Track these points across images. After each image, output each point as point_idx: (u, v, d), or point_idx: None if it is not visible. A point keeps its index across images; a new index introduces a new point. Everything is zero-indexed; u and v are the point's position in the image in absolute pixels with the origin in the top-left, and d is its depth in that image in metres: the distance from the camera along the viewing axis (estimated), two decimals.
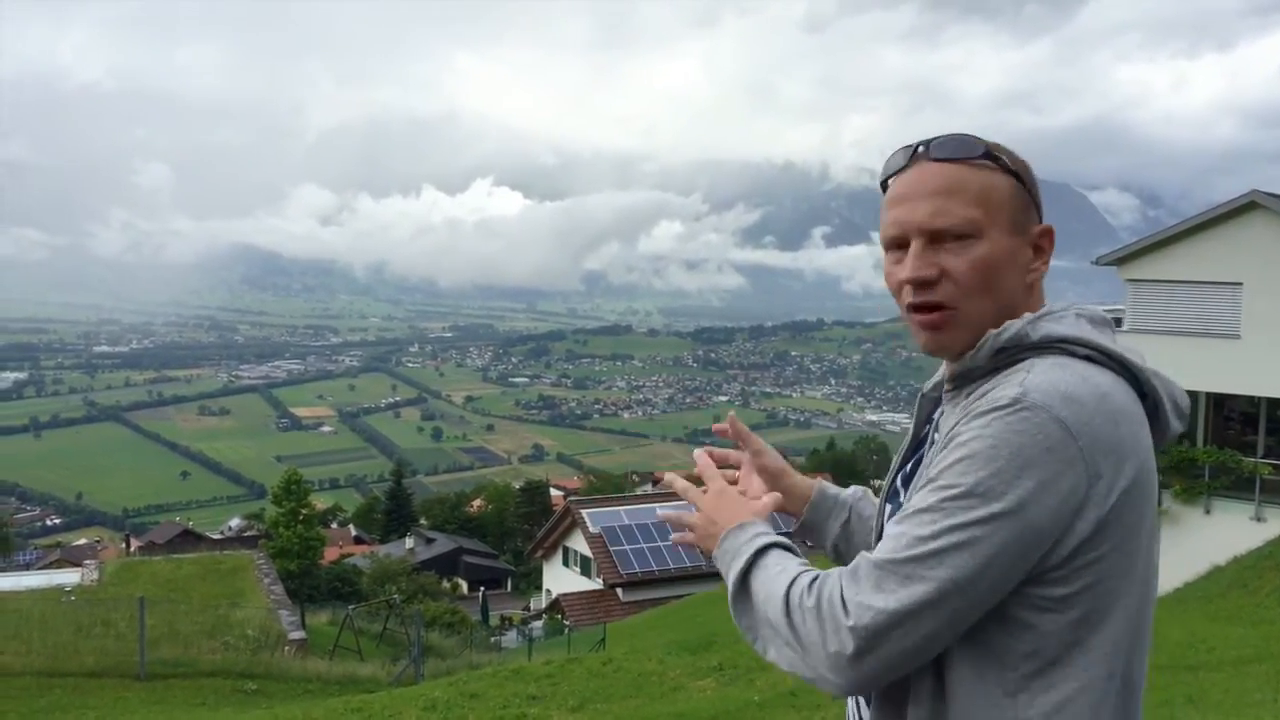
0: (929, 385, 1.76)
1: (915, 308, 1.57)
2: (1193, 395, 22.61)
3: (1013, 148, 1.61)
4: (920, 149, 1.58)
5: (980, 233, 1.53)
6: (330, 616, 26.55)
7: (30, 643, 15.91)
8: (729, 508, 1.72)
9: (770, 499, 1.76)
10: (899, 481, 1.74)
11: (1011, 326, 1.53)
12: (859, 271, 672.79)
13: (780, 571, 1.54)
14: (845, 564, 1.59)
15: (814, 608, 1.44)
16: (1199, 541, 20.54)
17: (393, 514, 70.63)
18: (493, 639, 32.16)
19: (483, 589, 50.24)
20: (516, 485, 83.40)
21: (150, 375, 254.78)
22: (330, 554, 50.18)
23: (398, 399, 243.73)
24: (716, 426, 2.02)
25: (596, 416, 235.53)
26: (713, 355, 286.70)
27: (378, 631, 25.22)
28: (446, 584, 50.77)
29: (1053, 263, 1.68)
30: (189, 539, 52.26)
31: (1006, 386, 1.46)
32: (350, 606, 26.31)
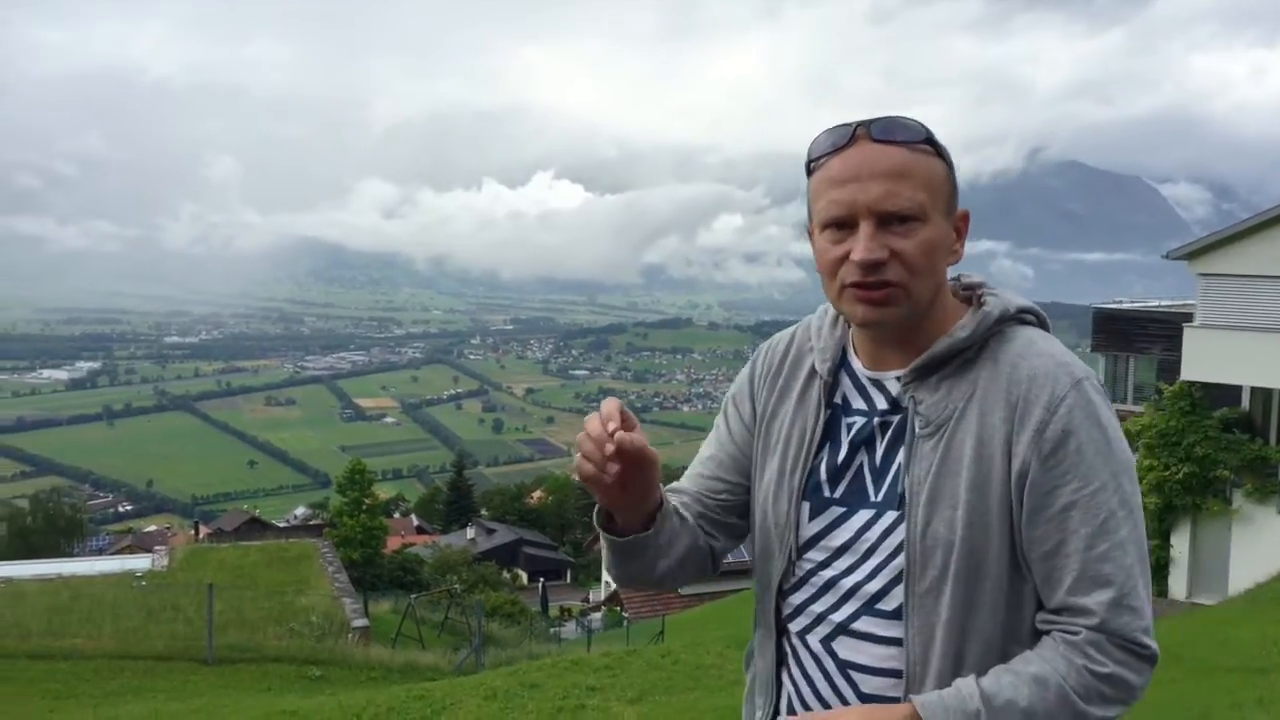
0: (825, 369, 1.71)
1: (862, 285, 1.55)
2: (1265, 392, 22.18)
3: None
4: (860, 130, 1.57)
5: (926, 216, 1.54)
6: (393, 605, 26.84)
7: (102, 626, 16.26)
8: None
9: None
10: (835, 470, 1.67)
11: (996, 306, 1.62)
12: None
13: (1017, 696, 1.47)
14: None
15: (1110, 673, 1.49)
16: (1272, 542, 20.07)
17: (454, 504, 71.21)
18: (552, 630, 32.36)
19: (542, 580, 50.55)
20: (576, 477, 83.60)
21: (219, 366, 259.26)
22: (393, 543, 50.67)
23: (459, 391, 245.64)
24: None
25: (656, 410, 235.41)
26: None
27: (439, 621, 25.44)
28: (507, 575, 51.14)
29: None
30: (255, 527, 53.20)
31: (1054, 372, 1.54)
32: (412, 595, 26.59)
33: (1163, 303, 29.65)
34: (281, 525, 58.34)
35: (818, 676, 1.66)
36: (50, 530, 47.25)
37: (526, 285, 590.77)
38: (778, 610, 1.73)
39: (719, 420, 1.88)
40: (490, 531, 60.99)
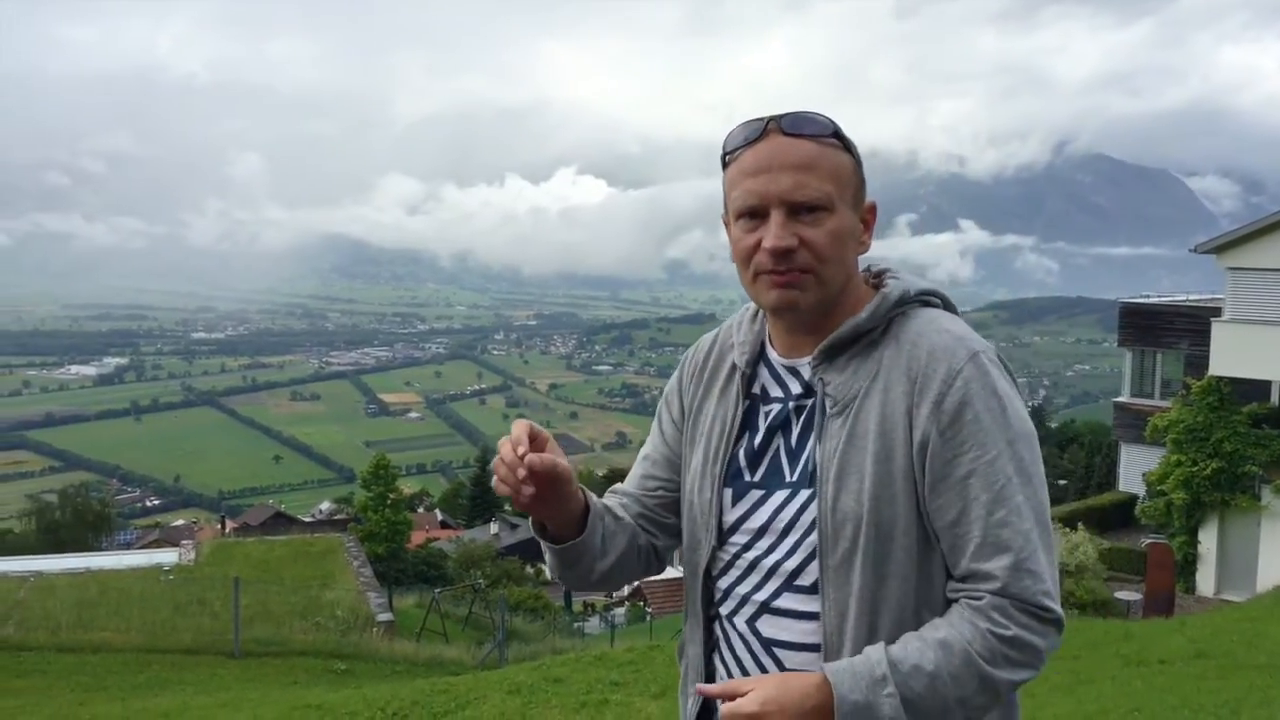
0: (744, 361, 1.79)
1: (774, 272, 1.63)
2: None
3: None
4: (771, 124, 1.64)
5: (833, 206, 1.63)
6: (417, 599, 26.94)
7: (130, 620, 16.41)
8: (792, 692, 1.52)
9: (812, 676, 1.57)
10: (763, 454, 1.74)
11: (896, 288, 1.70)
12: (945, 259, 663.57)
13: (923, 661, 1.53)
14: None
15: (1013, 636, 1.55)
16: None
17: (478, 499, 71.34)
18: (575, 625, 32.41)
19: None
20: (599, 473, 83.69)
21: (245, 361, 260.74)
22: (417, 538, 50.87)
23: (483, 386, 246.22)
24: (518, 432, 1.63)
25: None
26: None
27: (463, 615, 25.54)
28: (530, 570, 51.22)
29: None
30: (281, 521, 53.55)
31: (951, 346, 1.62)
32: (436, 590, 26.69)
33: (1190, 297, 29.41)
34: (307, 520, 58.72)
35: (746, 657, 1.72)
36: (79, 524, 47.65)
37: (549, 281, 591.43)
38: (709, 596, 1.80)
39: (654, 422, 1.98)
40: (514, 526, 61.03)
